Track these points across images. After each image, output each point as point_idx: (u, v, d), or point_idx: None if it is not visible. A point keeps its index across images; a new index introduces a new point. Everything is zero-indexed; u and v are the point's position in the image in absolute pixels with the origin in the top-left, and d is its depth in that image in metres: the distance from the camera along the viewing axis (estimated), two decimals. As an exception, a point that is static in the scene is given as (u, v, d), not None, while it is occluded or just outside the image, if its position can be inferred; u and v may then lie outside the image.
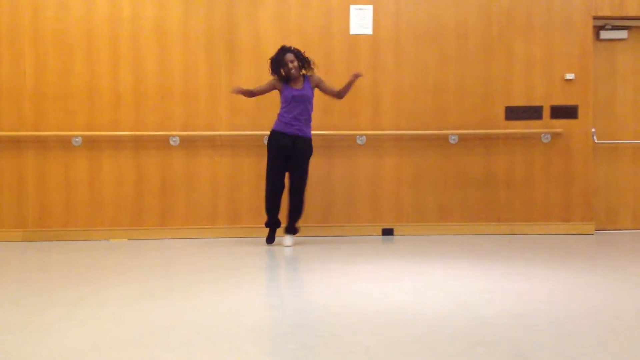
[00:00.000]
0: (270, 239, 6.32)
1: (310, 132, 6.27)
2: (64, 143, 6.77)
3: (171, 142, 6.84)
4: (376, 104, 6.99)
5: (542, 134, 7.02)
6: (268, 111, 6.72)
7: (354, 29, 6.97)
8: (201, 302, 4.06)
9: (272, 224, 6.33)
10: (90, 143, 6.80)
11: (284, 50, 6.18)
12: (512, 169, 7.06)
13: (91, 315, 3.77)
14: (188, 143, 6.87)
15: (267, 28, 6.91)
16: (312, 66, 6.25)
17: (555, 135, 7.04)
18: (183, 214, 6.89)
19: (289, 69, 6.12)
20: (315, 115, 6.84)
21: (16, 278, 4.95)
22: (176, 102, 6.86)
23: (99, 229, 6.80)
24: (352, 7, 6.96)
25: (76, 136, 6.75)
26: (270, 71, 6.24)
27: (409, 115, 7.01)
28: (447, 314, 3.76)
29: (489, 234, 6.99)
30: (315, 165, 6.88)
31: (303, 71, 6.22)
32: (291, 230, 6.30)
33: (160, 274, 5.11)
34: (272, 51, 6.79)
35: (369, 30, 6.98)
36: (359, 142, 6.97)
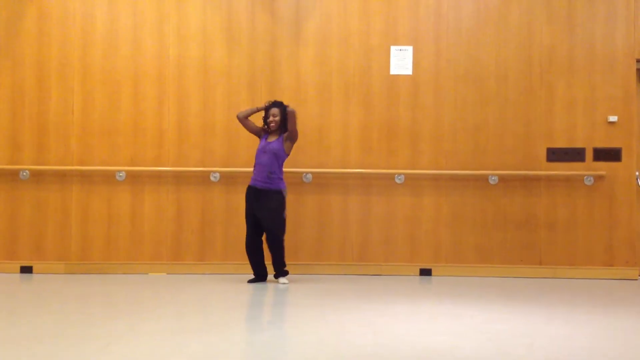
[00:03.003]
0: (253, 281, 6.37)
1: (279, 184, 6.25)
2: (108, 178, 6.92)
3: (212, 178, 6.93)
4: (415, 143, 7.00)
5: (585, 177, 6.92)
6: (305, 147, 6.79)
7: (394, 69, 7.03)
8: (237, 339, 4.07)
9: (257, 277, 6.37)
10: (133, 178, 6.94)
11: (274, 104, 6.35)
12: (554, 211, 6.95)
13: (128, 350, 3.80)
14: (228, 179, 6.96)
15: (308, 68, 7.01)
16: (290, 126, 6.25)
17: (598, 178, 6.93)
18: (221, 249, 6.94)
19: (270, 121, 6.28)
20: (354, 154, 6.89)
21: (56, 310, 5.02)
22: (217, 139, 6.97)
23: (138, 263, 6.89)
24: (393, 48, 7.03)
25: (120, 171, 6.90)
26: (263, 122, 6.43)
27: (447, 154, 6.99)
28: (487, 357, 3.69)
29: (529, 277, 6.86)
30: (353, 204, 6.89)
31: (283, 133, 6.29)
32: (280, 274, 6.35)
33: (198, 309, 5.14)
34: (313, 90, 6.91)
35: (408, 71, 7.03)
36: (397, 181, 6.97)
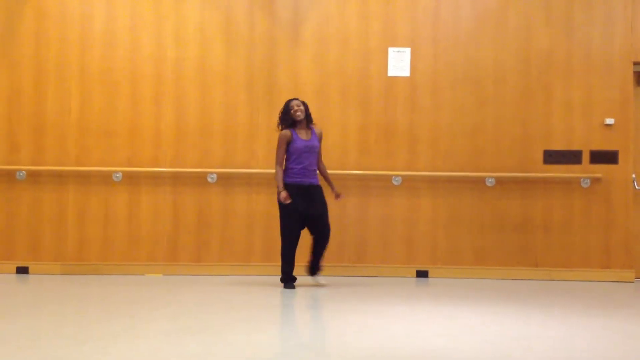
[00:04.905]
0: (292, 286, 6.20)
1: (318, 181, 6.25)
2: (105, 178, 6.92)
3: (209, 179, 6.93)
4: (412, 145, 7.00)
5: (582, 179, 6.94)
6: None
7: (392, 71, 7.03)
8: (234, 340, 4.06)
9: (291, 279, 6.21)
10: (130, 179, 6.93)
11: (290, 99, 6.23)
12: (550, 213, 6.97)
13: (126, 350, 3.79)
14: (225, 180, 6.96)
15: (306, 69, 7.02)
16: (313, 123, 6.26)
17: (595, 181, 6.95)
18: (218, 250, 6.94)
19: (295, 111, 6.11)
20: (352, 155, 6.89)
21: (52, 310, 5.01)
22: (215, 140, 6.97)
23: (135, 264, 6.88)
24: (391, 50, 7.04)
25: (117, 172, 6.89)
26: (279, 125, 6.21)
27: (445, 156, 7.00)
28: (483, 359, 3.70)
29: (525, 279, 6.87)
30: (351, 205, 6.89)
31: (312, 126, 6.22)
32: (319, 272, 6.27)
33: (195, 310, 5.13)
34: (311, 92, 6.92)
35: (406, 73, 7.03)
36: (394, 182, 6.97)
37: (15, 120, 6.92)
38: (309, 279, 6.28)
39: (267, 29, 7.03)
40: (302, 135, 6.17)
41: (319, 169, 6.29)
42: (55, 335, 4.15)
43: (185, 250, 6.93)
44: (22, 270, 6.83)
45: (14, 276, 6.70)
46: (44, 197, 6.90)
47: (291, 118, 6.12)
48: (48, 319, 4.67)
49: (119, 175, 6.90)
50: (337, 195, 6.28)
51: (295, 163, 6.11)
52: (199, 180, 6.95)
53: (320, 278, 6.27)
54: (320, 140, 6.25)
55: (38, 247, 6.88)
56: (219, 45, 7.02)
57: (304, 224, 6.18)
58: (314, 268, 6.27)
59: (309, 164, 6.14)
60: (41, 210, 6.89)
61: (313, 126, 6.25)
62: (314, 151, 6.16)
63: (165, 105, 6.97)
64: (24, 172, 6.85)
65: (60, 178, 6.92)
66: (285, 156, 6.15)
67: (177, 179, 6.95)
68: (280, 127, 6.20)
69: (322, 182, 6.29)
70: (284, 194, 6.02)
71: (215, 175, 6.93)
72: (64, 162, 6.91)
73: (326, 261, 6.77)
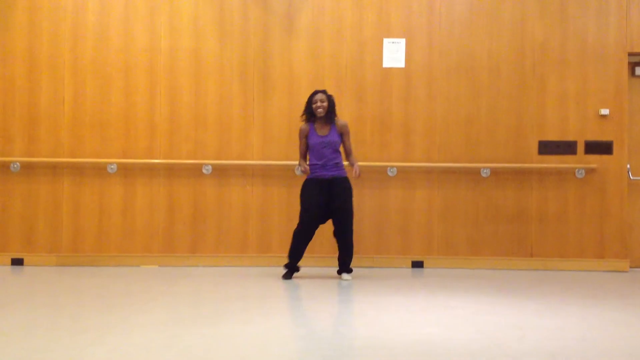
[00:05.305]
0: (287, 277, 6.17)
1: (344, 172, 6.18)
2: (100, 170, 6.90)
3: (204, 171, 6.92)
4: (407, 136, 7.00)
5: (576, 170, 6.95)
6: (297, 140, 6.77)
7: (387, 62, 7.02)
8: (230, 331, 4.07)
9: (290, 270, 6.16)
10: (125, 170, 6.91)
11: (317, 91, 6.17)
12: (545, 203, 6.98)
13: (122, 341, 3.79)
14: (220, 172, 6.95)
15: (300, 60, 7.00)
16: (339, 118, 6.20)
17: (590, 171, 6.96)
18: (214, 242, 6.94)
19: (317, 107, 6.08)
20: (347, 147, 6.88)
21: (49, 302, 5.01)
22: (209, 132, 6.95)
23: (130, 255, 6.88)
24: (385, 41, 7.02)
25: (111, 163, 6.87)
26: (302, 115, 6.20)
27: (440, 147, 7.00)
28: (478, 349, 3.71)
29: (520, 269, 6.89)
30: (346, 196, 6.88)
31: (340, 120, 6.14)
32: (347, 270, 6.21)
33: (190, 302, 5.13)
34: (305, 83, 6.91)
35: (401, 64, 7.02)
36: (389, 173, 6.97)
37: (8, 111, 6.88)
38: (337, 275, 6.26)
39: (262, 19, 7.01)
40: (319, 130, 6.13)
41: (347, 155, 6.20)
42: (51, 327, 4.14)
43: (180, 241, 6.92)
44: (17, 262, 6.82)
45: (9, 268, 6.70)
46: (39, 188, 6.88)
47: (311, 112, 6.12)
48: (43, 310, 4.67)
49: (114, 166, 6.88)
50: (355, 173, 6.13)
51: (315, 159, 6.10)
52: (194, 171, 6.94)
53: (345, 276, 6.16)
54: (343, 134, 6.12)
55: (33, 239, 6.87)
56: (213, 36, 6.99)
57: (326, 219, 6.14)
58: (339, 265, 6.22)
59: (328, 159, 6.07)
60: (36, 202, 6.88)
61: (336, 120, 6.15)
62: (331, 147, 6.07)
63: (159, 96, 6.95)
64: (18, 163, 6.83)
65: (54, 169, 6.90)
66: (306, 149, 6.18)
67: (171, 171, 6.94)
68: (302, 117, 6.20)
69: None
70: (303, 167, 6.08)
71: (210, 167, 6.92)
72: (58, 154, 6.89)
73: (321, 252, 6.78)
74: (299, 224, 6.12)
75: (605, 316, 4.69)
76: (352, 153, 6.23)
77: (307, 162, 6.17)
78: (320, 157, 6.08)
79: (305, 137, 6.17)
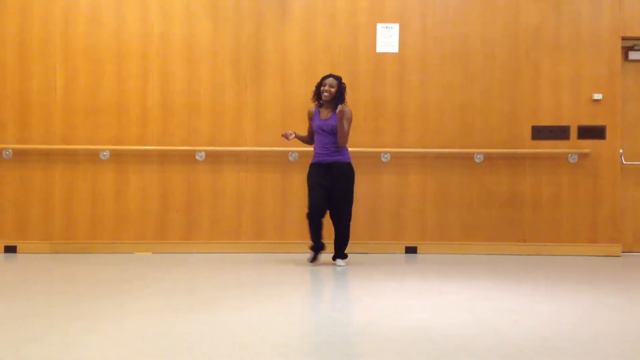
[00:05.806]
0: (312, 259, 6.22)
1: (347, 157, 6.17)
2: (92, 157, 6.86)
3: (197, 157, 6.89)
4: (401, 121, 6.99)
5: (569, 154, 6.96)
6: (291, 126, 6.75)
7: (380, 47, 6.99)
8: (225, 317, 4.07)
9: (314, 250, 6.21)
10: (118, 157, 6.88)
11: (329, 75, 6.14)
12: (539, 189, 7.00)
13: (116, 328, 3.79)
14: (213, 158, 6.92)
15: (293, 45, 6.96)
16: (345, 104, 6.13)
17: (583, 156, 6.98)
18: (207, 228, 6.92)
19: (324, 90, 6.06)
20: (341, 133, 6.85)
21: (42, 290, 5.00)
22: (202, 118, 6.92)
23: (124, 242, 6.86)
24: (379, 25, 6.99)
25: (104, 150, 6.84)
26: (312, 97, 6.21)
27: (434, 133, 7.00)
28: (473, 334, 3.73)
29: (514, 254, 6.92)
30: (340, 182, 6.87)
31: (341, 106, 6.01)
32: (340, 256, 6.23)
33: (184, 288, 5.13)
34: (299, 69, 6.89)
35: (395, 49, 7.00)
36: (383, 159, 6.97)
37: (0, 98, 6.83)
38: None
39: (254, 4, 6.96)
40: (323, 114, 6.14)
41: (338, 137, 6.10)
42: (45, 314, 4.13)
43: (174, 228, 6.91)
44: (10, 250, 6.80)
45: (2, 255, 6.67)
46: (31, 175, 6.85)
47: (319, 95, 6.13)
48: (37, 298, 4.66)
49: (107, 153, 6.85)
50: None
51: (317, 142, 6.13)
52: (187, 158, 6.91)
53: (340, 262, 6.18)
54: (341, 119, 5.96)
55: (26, 226, 6.84)
56: (206, 22, 6.94)
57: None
58: (335, 250, 6.24)
59: (326, 142, 6.07)
60: (28, 189, 6.84)
61: (341, 106, 6.03)
62: (328, 131, 6.06)
63: (151, 82, 6.91)
64: (10, 150, 6.79)
65: (47, 156, 6.86)
66: (309, 127, 6.23)
67: (164, 157, 6.91)
68: (312, 99, 6.21)
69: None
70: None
71: (203, 153, 6.89)
72: (51, 141, 6.85)
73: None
74: (308, 206, 6.13)
75: (598, 300, 4.72)
76: (343, 138, 6.04)
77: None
78: (320, 140, 6.10)
79: (310, 120, 6.21)
